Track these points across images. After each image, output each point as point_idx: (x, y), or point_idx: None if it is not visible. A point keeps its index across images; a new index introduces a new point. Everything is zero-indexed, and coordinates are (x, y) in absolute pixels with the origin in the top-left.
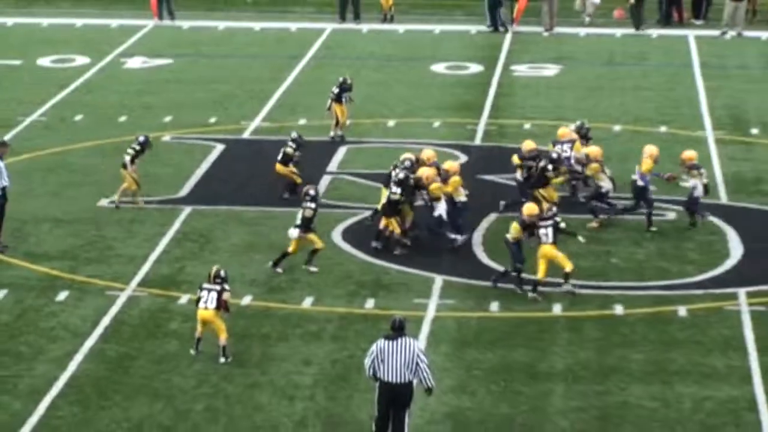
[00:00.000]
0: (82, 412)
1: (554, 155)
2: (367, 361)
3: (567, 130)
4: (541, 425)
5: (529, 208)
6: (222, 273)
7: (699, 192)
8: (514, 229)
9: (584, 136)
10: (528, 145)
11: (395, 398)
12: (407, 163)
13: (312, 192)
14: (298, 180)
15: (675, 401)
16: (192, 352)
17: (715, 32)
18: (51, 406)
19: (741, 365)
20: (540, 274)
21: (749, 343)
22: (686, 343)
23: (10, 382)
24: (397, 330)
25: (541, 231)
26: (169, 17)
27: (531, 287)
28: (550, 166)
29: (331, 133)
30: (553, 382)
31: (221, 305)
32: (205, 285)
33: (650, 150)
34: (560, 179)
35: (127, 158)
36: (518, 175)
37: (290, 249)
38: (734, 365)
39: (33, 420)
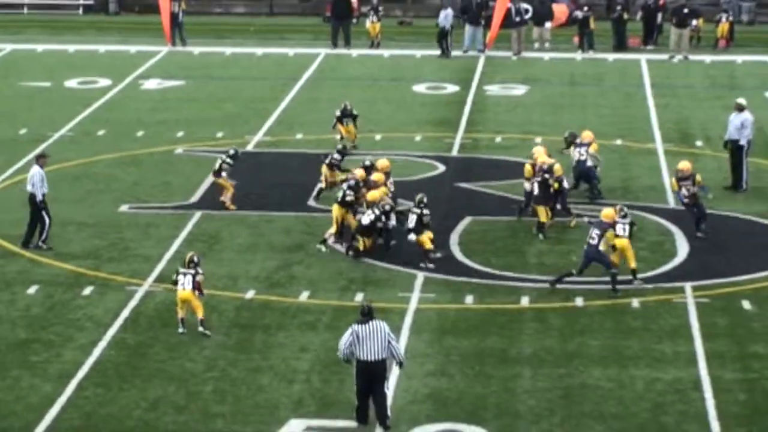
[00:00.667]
0: (105, 393)
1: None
2: (343, 345)
3: (589, 133)
4: (511, 404)
5: (607, 214)
6: (195, 258)
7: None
8: (609, 238)
9: (572, 142)
10: (541, 156)
11: (373, 375)
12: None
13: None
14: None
15: (629, 382)
16: (180, 330)
17: (664, 56)
18: (78, 387)
19: (687, 350)
20: (631, 263)
21: (694, 330)
22: (639, 331)
23: (42, 367)
24: (367, 315)
25: (618, 227)
26: (180, 43)
27: (632, 277)
28: (566, 184)
29: (339, 146)
30: (522, 366)
31: (195, 287)
32: (181, 269)
33: (590, 134)
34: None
35: (218, 167)
36: (527, 185)
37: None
38: (681, 350)
39: (62, 400)
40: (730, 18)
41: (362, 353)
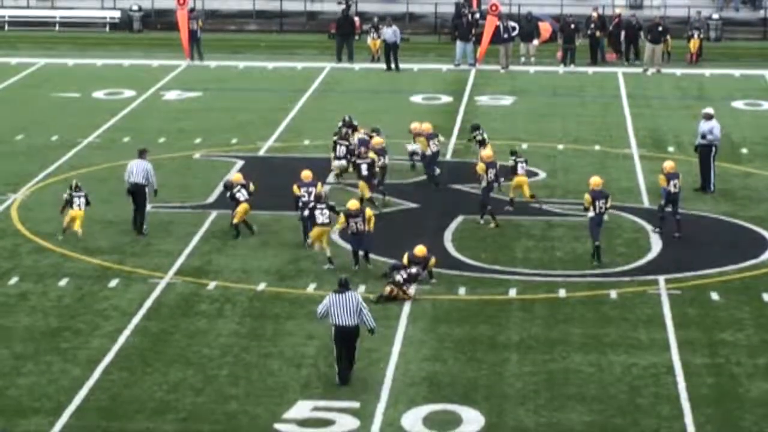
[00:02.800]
0: (129, 376)
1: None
2: (321, 307)
3: (426, 126)
4: (500, 386)
5: (487, 154)
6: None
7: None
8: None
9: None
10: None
11: (346, 338)
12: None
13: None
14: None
15: (608, 367)
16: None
17: (639, 70)
18: (104, 371)
19: (661, 338)
20: (527, 193)
21: (667, 320)
22: (617, 320)
23: (71, 353)
24: (343, 286)
25: (519, 167)
26: (198, 58)
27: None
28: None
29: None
30: (509, 352)
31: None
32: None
33: (416, 126)
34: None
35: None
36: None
37: None
38: (655, 338)
39: (90, 383)
40: (701, 35)
41: (337, 319)
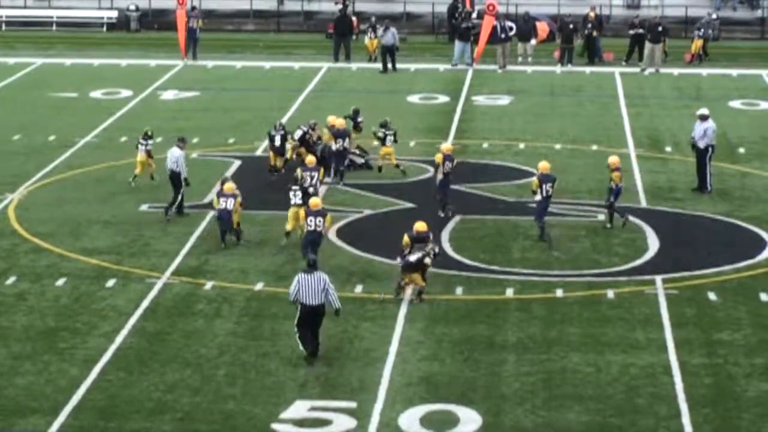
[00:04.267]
0: (126, 376)
1: None
2: (292, 289)
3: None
4: (498, 387)
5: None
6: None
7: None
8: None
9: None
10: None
11: (312, 316)
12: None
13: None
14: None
15: (605, 367)
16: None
17: (636, 69)
18: (101, 371)
19: (658, 338)
20: (394, 161)
21: (665, 320)
22: (614, 319)
23: (69, 353)
24: (312, 267)
25: (388, 139)
26: (192, 58)
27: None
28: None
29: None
30: (507, 352)
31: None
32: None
33: (332, 120)
34: None
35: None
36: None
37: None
38: (653, 338)
39: (87, 383)
40: (701, 35)
41: (305, 298)
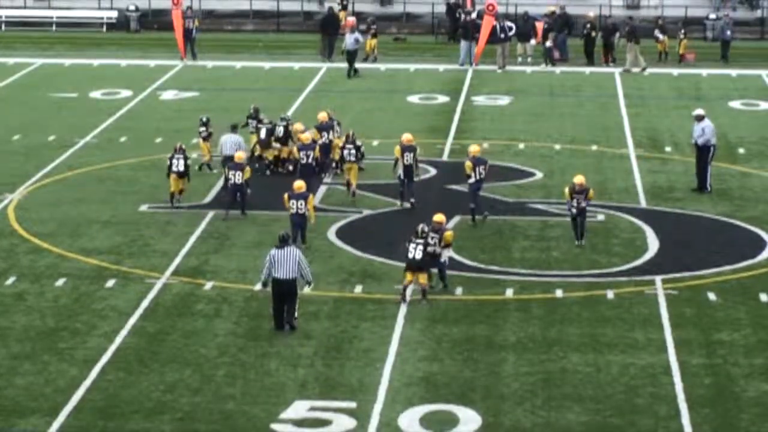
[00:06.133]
0: (126, 376)
1: None
2: (264, 268)
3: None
4: (497, 387)
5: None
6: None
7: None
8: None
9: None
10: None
11: (285, 291)
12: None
13: None
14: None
15: (605, 367)
16: None
17: (635, 69)
18: (101, 371)
19: (658, 338)
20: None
21: (664, 320)
22: (613, 320)
23: (68, 353)
24: (283, 242)
25: (346, 152)
26: (192, 58)
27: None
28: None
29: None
30: (506, 352)
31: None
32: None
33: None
34: None
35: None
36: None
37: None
38: (652, 338)
39: (87, 383)
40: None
41: (277, 272)
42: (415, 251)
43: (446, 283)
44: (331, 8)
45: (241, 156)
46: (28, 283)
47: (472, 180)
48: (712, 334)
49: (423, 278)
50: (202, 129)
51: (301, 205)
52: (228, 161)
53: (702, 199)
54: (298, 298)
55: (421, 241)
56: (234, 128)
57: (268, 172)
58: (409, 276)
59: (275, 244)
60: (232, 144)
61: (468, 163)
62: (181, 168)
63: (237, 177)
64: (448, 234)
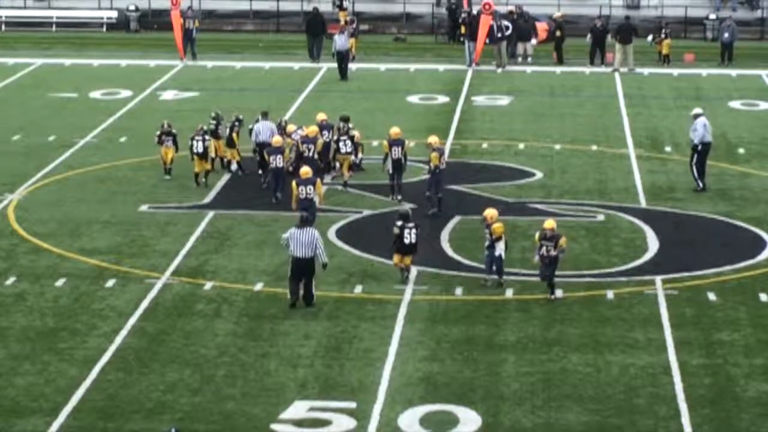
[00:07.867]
0: (126, 377)
1: None
2: (284, 240)
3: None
4: (497, 387)
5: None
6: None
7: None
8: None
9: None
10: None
11: (303, 269)
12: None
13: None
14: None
15: (605, 367)
16: None
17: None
18: (101, 372)
19: (658, 338)
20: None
21: (664, 320)
22: (613, 320)
23: (68, 353)
24: (304, 222)
25: (341, 144)
26: (192, 58)
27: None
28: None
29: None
30: (506, 352)
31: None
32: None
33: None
34: None
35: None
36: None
37: None
38: (652, 338)
39: (87, 383)
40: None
41: (295, 250)
42: (410, 236)
43: (502, 280)
44: (316, 8)
45: (278, 140)
46: (28, 283)
47: (389, 161)
48: (712, 334)
49: (408, 260)
50: (213, 123)
51: (309, 190)
52: (266, 146)
53: (702, 199)
54: (315, 277)
55: (411, 224)
56: (265, 115)
57: (239, 172)
58: (397, 259)
59: (296, 224)
60: (266, 130)
61: (385, 143)
62: (200, 149)
63: (278, 161)
64: (498, 227)
